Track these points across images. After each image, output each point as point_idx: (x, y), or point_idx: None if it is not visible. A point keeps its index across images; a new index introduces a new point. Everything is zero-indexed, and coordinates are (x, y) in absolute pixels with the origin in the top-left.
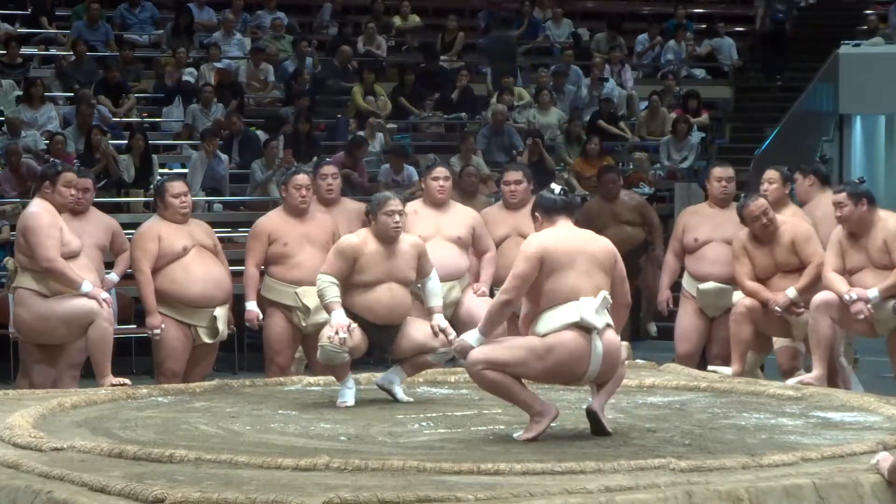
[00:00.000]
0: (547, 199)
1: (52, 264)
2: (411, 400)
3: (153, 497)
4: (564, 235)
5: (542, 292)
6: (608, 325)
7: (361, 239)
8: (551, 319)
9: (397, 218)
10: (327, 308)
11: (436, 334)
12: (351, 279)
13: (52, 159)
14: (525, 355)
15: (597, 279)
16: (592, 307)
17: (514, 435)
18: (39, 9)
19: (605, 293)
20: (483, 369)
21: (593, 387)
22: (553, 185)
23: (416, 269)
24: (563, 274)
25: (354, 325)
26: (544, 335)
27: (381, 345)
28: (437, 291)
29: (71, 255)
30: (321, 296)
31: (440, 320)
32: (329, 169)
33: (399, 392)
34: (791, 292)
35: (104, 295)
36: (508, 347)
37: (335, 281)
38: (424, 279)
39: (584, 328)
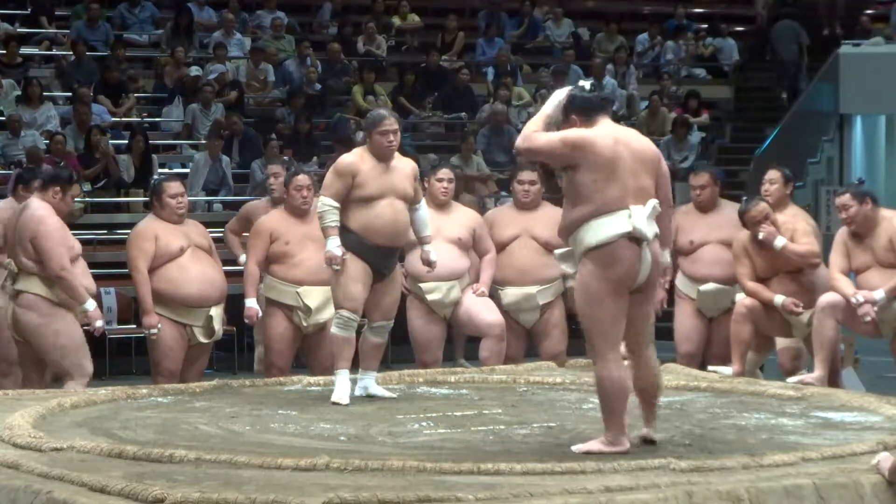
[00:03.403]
0: (583, 98)
1: (65, 273)
2: (395, 396)
3: (153, 497)
4: (610, 132)
5: (589, 197)
6: (656, 236)
7: (358, 156)
8: (601, 228)
9: (391, 137)
10: (324, 232)
11: (426, 263)
12: (351, 195)
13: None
14: (588, 295)
15: (643, 180)
16: (644, 216)
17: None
18: (39, 9)
19: (654, 202)
20: (609, 363)
21: (642, 405)
22: (581, 83)
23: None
24: (611, 177)
25: (348, 254)
26: (595, 247)
27: (380, 269)
28: (426, 221)
29: (74, 259)
30: (321, 217)
31: (430, 252)
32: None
33: (379, 390)
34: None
35: (99, 324)
36: (585, 304)
37: (335, 204)
38: (415, 206)
39: (635, 238)
